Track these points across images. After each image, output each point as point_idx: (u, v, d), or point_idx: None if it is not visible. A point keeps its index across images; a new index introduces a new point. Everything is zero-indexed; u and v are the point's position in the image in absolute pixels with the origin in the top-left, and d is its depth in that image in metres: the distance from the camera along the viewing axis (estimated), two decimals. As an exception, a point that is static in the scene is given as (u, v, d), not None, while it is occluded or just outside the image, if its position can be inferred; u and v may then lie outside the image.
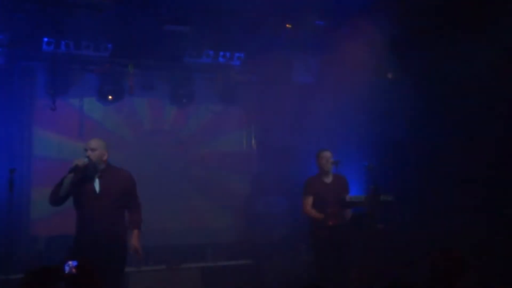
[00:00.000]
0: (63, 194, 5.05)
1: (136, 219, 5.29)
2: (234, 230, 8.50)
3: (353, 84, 7.33)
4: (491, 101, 6.02)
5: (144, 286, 7.10)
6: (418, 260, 3.81)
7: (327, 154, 6.46)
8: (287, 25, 7.38)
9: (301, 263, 7.53)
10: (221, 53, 7.91)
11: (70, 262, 3.12)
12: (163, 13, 6.92)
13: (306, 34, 7.49)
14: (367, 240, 6.02)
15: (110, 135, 8.19)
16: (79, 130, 7.96)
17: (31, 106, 7.81)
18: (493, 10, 5.84)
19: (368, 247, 6.01)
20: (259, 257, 7.73)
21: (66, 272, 3.07)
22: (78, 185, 5.03)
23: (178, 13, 7.00)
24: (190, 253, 7.72)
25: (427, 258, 3.42)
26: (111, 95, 7.86)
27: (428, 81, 6.80)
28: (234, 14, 6.90)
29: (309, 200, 6.41)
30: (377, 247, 5.96)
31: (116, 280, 4.98)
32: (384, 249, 5.96)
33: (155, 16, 6.93)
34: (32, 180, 7.71)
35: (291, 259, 7.64)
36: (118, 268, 5.08)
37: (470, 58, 5.93)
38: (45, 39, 7.08)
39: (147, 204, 8.07)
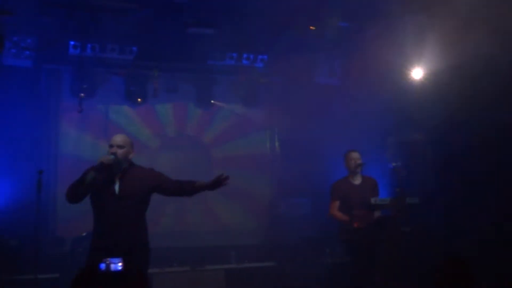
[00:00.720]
0: (83, 192, 4.51)
1: (191, 181, 4.70)
2: (257, 232, 8.51)
3: (377, 85, 7.29)
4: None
5: (168, 287, 7.14)
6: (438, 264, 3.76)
7: (356, 154, 6.35)
8: (311, 27, 7.36)
9: (325, 266, 7.49)
10: (245, 55, 7.94)
11: (108, 260, 3.09)
12: (187, 16, 6.97)
13: (330, 36, 7.46)
14: (393, 243, 5.96)
15: (134, 137, 8.25)
16: (104, 131, 8.05)
17: (57, 108, 7.96)
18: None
19: (394, 250, 5.96)
20: (283, 259, 7.72)
21: (102, 270, 3.07)
22: (98, 184, 4.48)
23: (202, 16, 7.04)
24: (214, 255, 7.74)
25: (437, 265, 3.39)
26: (136, 98, 7.94)
27: (456, 80, 6.71)
28: (258, 16, 6.90)
29: (336, 203, 6.35)
30: (403, 250, 5.90)
31: (139, 285, 4.21)
32: (409, 252, 5.90)
33: (179, 19, 6.99)
34: (58, 181, 7.82)
35: (314, 261, 7.60)
36: (140, 273, 4.39)
37: (494, 59, 5.84)
38: (72, 43, 7.20)
39: (171, 207, 8.20)
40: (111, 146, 4.60)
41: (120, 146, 4.58)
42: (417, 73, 7.15)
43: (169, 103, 8.54)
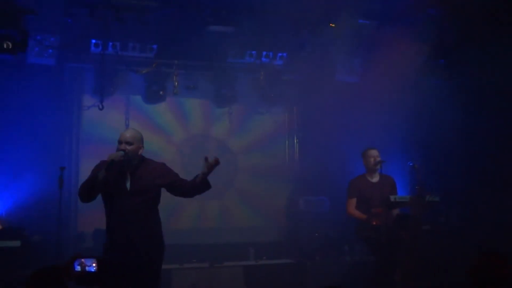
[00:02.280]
0: (95, 190, 4.47)
1: (195, 178, 4.53)
2: (276, 230, 8.53)
3: (398, 83, 7.23)
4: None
5: (187, 283, 7.19)
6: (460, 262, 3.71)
7: (374, 152, 6.32)
8: (331, 24, 7.34)
9: (344, 264, 7.47)
10: (264, 53, 7.94)
11: (82, 260, 3.18)
12: (206, 14, 7.01)
13: (350, 33, 7.42)
14: (413, 241, 5.92)
15: (155, 135, 8.36)
16: (126, 128, 8.12)
17: (80, 106, 8.06)
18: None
19: (414, 248, 5.91)
20: (301, 257, 7.71)
21: (76, 270, 3.16)
22: (110, 181, 4.42)
23: (221, 14, 7.07)
24: (232, 251, 7.77)
25: (469, 261, 3.33)
26: (156, 95, 8.01)
27: (474, 82, 6.64)
28: (277, 14, 6.91)
29: (353, 201, 6.33)
30: (423, 248, 5.86)
31: (154, 281, 4.52)
32: (429, 250, 5.86)
33: (199, 17, 7.02)
34: (80, 177, 7.91)
35: (333, 259, 7.58)
36: (154, 269, 4.53)
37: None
38: (93, 41, 7.28)
39: (191, 204, 8.25)
40: (119, 142, 4.53)
41: (128, 143, 4.50)
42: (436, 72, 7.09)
43: (190, 99, 8.59)
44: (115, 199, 4.48)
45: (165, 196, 8.29)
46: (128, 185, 4.48)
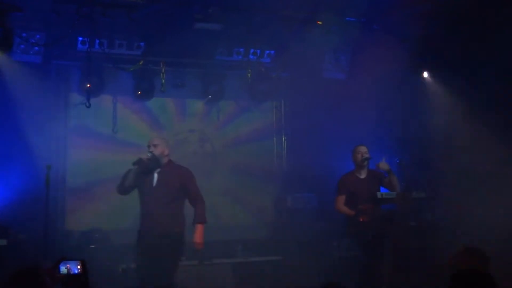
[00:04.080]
0: (128, 185, 5.38)
1: (196, 214, 5.41)
2: (264, 227, 8.54)
3: (385, 80, 7.28)
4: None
5: (176, 281, 7.18)
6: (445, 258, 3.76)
7: (363, 148, 6.40)
8: (318, 22, 7.36)
9: (332, 260, 7.51)
10: (252, 50, 7.96)
11: (67, 263, 3.23)
12: (194, 11, 6.98)
13: (337, 31, 7.45)
14: (399, 237, 5.98)
15: (142, 132, 8.33)
16: (113, 127, 8.11)
17: (66, 103, 8.00)
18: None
19: (400, 244, 5.97)
20: (290, 253, 7.74)
21: (61, 272, 3.20)
22: (140, 178, 5.34)
23: (209, 11, 7.05)
24: (221, 249, 7.77)
25: (451, 257, 3.38)
26: (143, 93, 7.99)
27: (461, 79, 6.70)
28: (265, 11, 6.91)
29: (342, 198, 6.38)
30: (409, 244, 5.91)
31: (168, 271, 5.27)
32: (416, 246, 5.92)
33: (187, 15, 7.00)
34: (67, 175, 7.89)
35: (322, 255, 7.62)
36: (170, 259, 5.30)
37: (504, 55, 5.84)
38: (80, 38, 7.24)
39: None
40: (148, 146, 5.46)
41: (155, 145, 5.40)
42: (426, 71, 7.15)
43: (178, 97, 8.57)
44: (143, 192, 5.39)
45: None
46: (154, 181, 5.36)
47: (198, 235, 5.35)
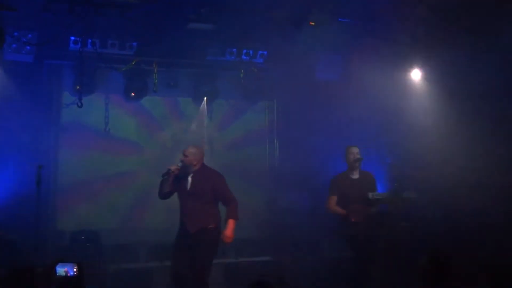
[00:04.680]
0: (165, 192, 5.90)
1: (229, 211, 5.85)
2: (256, 227, 8.53)
3: (376, 81, 7.31)
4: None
5: (167, 281, 7.17)
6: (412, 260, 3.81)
7: (355, 149, 6.43)
8: (311, 23, 7.37)
9: (323, 260, 7.53)
10: (244, 51, 7.96)
11: (64, 265, 3.25)
12: (187, 11, 6.98)
13: (330, 32, 7.47)
14: (391, 237, 6.00)
15: (135, 132, 8.34)
16: (105, 126, 8.10)
17: (58, 103, 7.98)
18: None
19: (392, 244, 5.99)
20: (281, 254, 7.75)
21: (58, 274, 3.22)
22: (176, 183, 5.83)
23: (202, 11, 7.05)
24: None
25: (418, 260, 3.44)
26: (135, 93, 7.99)
27: (451, 80, 6.74)
28: (257, 12, 6.92)
29: (333, 198, 6.40)
30: (400, 244, 5.93)
31: (201, 268, 5.71)
32: (407, 246, 5.94)
33: (179, 15, 7.00)
34: (59, 174, 7.87)
35: (313, 256, 7.63)
36: (203, 256, 5.73)
37: (493, 57, 5.87)
38: (72, 38, 7.21)
39: (169, 202, 8.22)
40: (183, 154, 5.90)
41: (186, 156, 5.86)
42: (416, 71, 7.18)
43: (170, 97, 8.58)
44: (180, 195, 5.90)
45: (144, 194, 8.31)
46: (188, 186, 5.84)
47: (228, 229, 5.77)
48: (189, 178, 5.86)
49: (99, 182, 8.06)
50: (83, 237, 7.36)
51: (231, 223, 5.80)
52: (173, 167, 5.78)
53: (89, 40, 7.21)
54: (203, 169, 5.95)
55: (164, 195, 5.98)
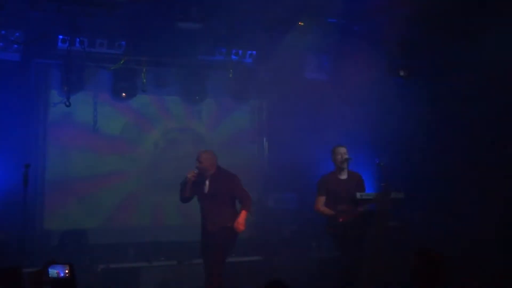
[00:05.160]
0: (186, 196, 6.33)
1: (243, 206, 6.25)
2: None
3: (365, 81, 7.34)
4: (500, 103, 6.00)
5: (156, 281, 7.18)
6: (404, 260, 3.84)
7: (342, 149, 6.39)
8: (300, 23, 7.40)
9: (312, 260, 7.55)
10: (234, 51, 7.97)
11: (56, 266, 3.25)
12: (176, 10, 6.97)
13: (319, 32, 7.49)
14: (378, 238, 6.02)
15: (123, 131, 8.31)
16: (93, 125, 8.06)
17: (46, 102, 7.93)
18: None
19: (379, 245, 6.02)
20: (270, 254, 7.76)
21: (50, 275, 3.22)
22: (196, 187, 6.26)
23: (191, 10, 7.04)
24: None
25: (409, 259, 3.47)
26: (124, 92, 7.96)
27: (439, 81, 6.78)
28: (247, 12, 6.92)
29: (321, 198, 6.39)
30: (388, 244, 5.96)
31: (213, 263, 6.12)
32: (394, 246, 5.97)
33: (168, 14, 6.98)
34: (46, 174, 7.83)
35: (301, 256, 7.65)
36: (217, 252, 6.12)
37: (480, 59, 5.92)
38: (60, 37, 7.17)
39: (157, 202, 8.24)
40: (198, 161, 6.26)
41: (200, 162, 6.25)
42: (404, 71, 7.22)
43: (159, 97, 8.55)
44: (199, 198, 6.33)
45: (133, 193, 8.28)
46: (206, 189, 6.27)
47: (241, 217, 6.14)
48: (207, 182, 6.27)
49: (87, 181, 8.02)
50: (71, 237, 7.32)
51: (243, 213, 6.17)
52: (189, 174, 6.20)
53: (77, 39, 7.18)
54: (219, 171, 6.34)
55: (185, 199, 6.41)
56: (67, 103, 7.33)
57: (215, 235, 6.15)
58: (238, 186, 6.33)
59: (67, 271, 3.31)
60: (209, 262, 6.23)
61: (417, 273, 3.29)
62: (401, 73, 7.19)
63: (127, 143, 8.37)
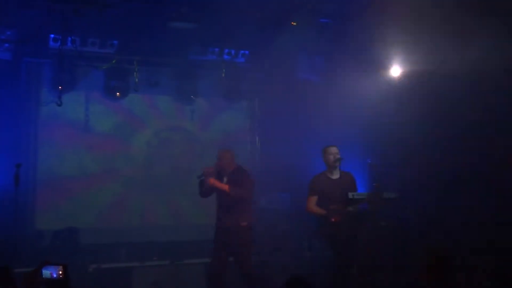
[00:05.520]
0: (205, 192, 6.42)
1: (237, 187, 6.24)
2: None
3: (357, 81, 7.35)
4: (494, 103, 6.03)
5: (148, 281, 7.15)
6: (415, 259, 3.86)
7: (334, 149, 6.38)
8: (292, 23, 7.41)
9: (304, 259, 7.56)
10: (226, 50, 7.98)
11: (49, 267, 3.25)
12: (168, 10, 6.96)
13: (311, 32, 7.51)
14: (370, 237, 6.04)
15: (115, 131, 8.29)
16: (85, 125, 8.04)
17: (37, 101, 7.90)
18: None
19: (371, 244, 6.04)
20: (262, 253, 7.76)
21: (44, 276, 3.22)
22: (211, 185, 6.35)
23: (183, 10, 7.03)
24: (193, 248, 7.76)
25: (416, 258, 3.48)
26: (116, 91, 7.95)
27: (432, 79, 6.81)
28: (240, 11, 6.92)
29: (313, 198, 6.38)
30: (380, 244, 5.99)
31: (243, 260, 6.26)
32: (386, 246, 5.99)
33: (161, 13, 6.97)
34: (38, 174, 7.79)
35: (293, 255, 7.66)
36: (241, 252, 6.25)
37: (473, 59, 5.95)
38: (52, 36, 7.15)
39: (148, 202, 8.24)
40: (217, 158, 6.42)
41: (219, 159, 6.40)
42: (395, 71, 7.25)
43: (151, 96, 8.55)
44: (217, 195, 6.40)
45: (125, 193, 8.26)
46: None
47: (218, 182, 6.26)
48: (225, 179, 6.39)
49: (79, 180, 8.01)
50: (62, 236, 7.30)
51: (223, 185, 6.25)
52: (205, 170, 6.34)
53: (69, 38, 7.16)
54: (237, 169, 6.47)
55: (204, 194, 6.50)
56: (59, 102, 7.32)
57: (231, 233, 6.25)
58: (249, 184, 6.42)
59: (60, 272, 3.30)
60: (238, 258, 6.34)
61: (427, 271, 3.27)
62: (392, 73, 7.23)
63: (119, 142, 8.36)
